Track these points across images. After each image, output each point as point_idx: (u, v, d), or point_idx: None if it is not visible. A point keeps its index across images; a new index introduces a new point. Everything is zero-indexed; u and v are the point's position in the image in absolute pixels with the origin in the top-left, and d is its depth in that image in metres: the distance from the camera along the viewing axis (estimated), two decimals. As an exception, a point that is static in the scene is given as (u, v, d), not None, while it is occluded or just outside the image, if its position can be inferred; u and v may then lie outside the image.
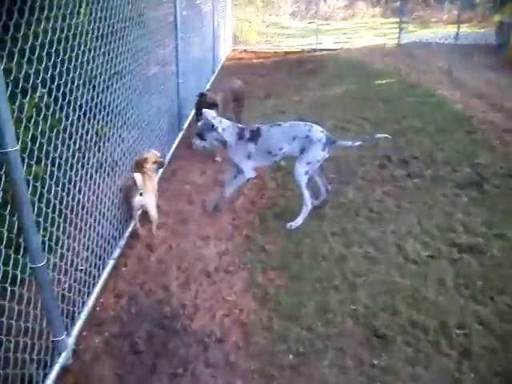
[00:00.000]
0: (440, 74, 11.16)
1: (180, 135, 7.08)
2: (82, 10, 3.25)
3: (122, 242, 4.37)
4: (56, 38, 3.08)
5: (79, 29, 3.49)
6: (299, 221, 4.75)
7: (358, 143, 4.99)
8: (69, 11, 3.28)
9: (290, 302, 3.71)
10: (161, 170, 5.56)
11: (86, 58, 3.67)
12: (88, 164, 3.82)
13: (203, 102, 6.19)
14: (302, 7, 19.49)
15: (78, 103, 3.57)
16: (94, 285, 3.74)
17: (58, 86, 3.18)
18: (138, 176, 4.22)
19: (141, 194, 4.31)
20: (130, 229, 4.58)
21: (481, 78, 10.64)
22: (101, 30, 3.92)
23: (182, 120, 7.13)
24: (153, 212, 4.45)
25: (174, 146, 6.70)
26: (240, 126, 4.94)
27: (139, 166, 4.51)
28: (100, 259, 3.93)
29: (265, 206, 5.20)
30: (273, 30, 16.52)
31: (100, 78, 3.98)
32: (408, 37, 15.65)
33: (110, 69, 4.22)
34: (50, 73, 3.01)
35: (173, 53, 6.66)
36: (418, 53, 13.61)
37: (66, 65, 3.26)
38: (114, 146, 4.50)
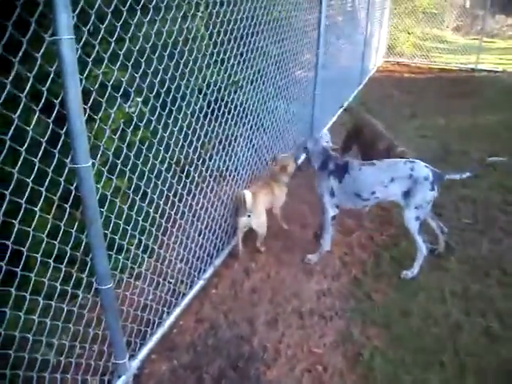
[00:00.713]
0: None
1: (308, 149, 6.68)
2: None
3: (219, 261, 4.09)
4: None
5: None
6: (415, 270, 4.15)
7: (466, 175, 4.06)
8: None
9: (383, 371, 3.18)
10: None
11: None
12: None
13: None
14: (468, 21, 18.13)
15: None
16: (175, 305, 3.51)
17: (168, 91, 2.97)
18: (248, 195, 4.03)
19: (249, 216, 4.12)
20: (230, 246, 4.29)
21: None
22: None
23: (313, 133, 6.72)
24: (261, 232, 4.33)
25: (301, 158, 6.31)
26: (333, 154, 4.29)
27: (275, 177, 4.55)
28: (189, 277, 3.69)
29: (383, 244, 4.64)
30: (431, 43, 15.44)
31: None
32: None
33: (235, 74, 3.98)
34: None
35: (313, 61, 6.26)
36: None
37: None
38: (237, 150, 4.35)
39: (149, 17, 2.41)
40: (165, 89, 2.86)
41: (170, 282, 3.56)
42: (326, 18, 6.32)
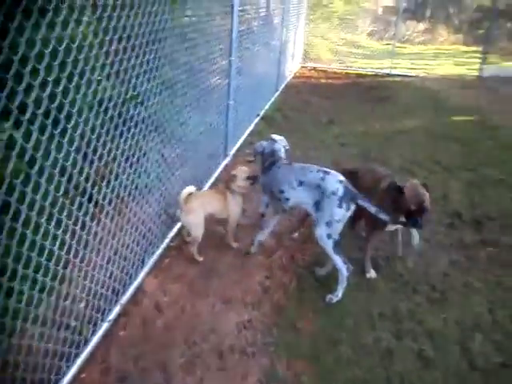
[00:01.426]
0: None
1: (225, 162, 6.30)
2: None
3: (126, 298, 3.63)
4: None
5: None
6: (339, 293, 3.87)
7: (382, 217, 3.67)
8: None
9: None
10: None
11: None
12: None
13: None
14: (381, 27, 18.50)
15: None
16: (76, 355, 3.02)
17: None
18: (183, 191, 4.02)
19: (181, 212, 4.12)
20: (138, 280, 3.83)
21: None
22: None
23: (228, 145, 6.37)
24: (193, 232, 4.17)
25: (217, 172, 5.94)
26: (280, 156, 4.29)
27: (228, 185, 4.39)
28: (90, 322, 3.21)
29: (306, 265, 4.34)
30: (347, 48, 15.57)
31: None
32: (490, 69, 14.32)
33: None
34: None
35: (226, 71, 5.91)
36: (501, 88, 12.31)
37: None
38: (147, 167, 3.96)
39: (16, 23, 1.95)
40: (56, 104, 2.40)
41: (68, 329, 3.06)
42: (240, 23, 6.02)
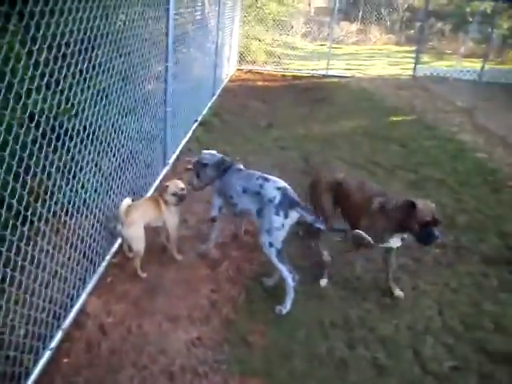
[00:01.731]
0: (460, 114, 10.22)
1: (164, 171, 6.12)
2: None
3: (68, 322, 3.41)
4: None
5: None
6: (287, 304, 3.79)
7: (320, 226, 3.67)
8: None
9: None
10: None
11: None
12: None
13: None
14: (315, 28, 18.72)
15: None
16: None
17: None
18: (122, 203, 3.89)
19: (121, 225, 3.95)
20: (80, 301, 3.62)
21: (508, 124, 9.62)
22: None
23: (167, 153, 6.19)
24: (135, 246, 4.02)
25: (157, 182, 5.76)
26: (228, 160, 4.33)
27: (161, 194, 4.29)
28: (31, 351, 2.99)
29: (254, 275, 4.24)
30: (282, 49, 15.61)
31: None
32: (423, 68, 14.74)
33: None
34: None
35: (162, 77, 5.73)
36: (434, 88, 12.68)
37: None
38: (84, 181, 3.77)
39: None
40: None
41: (7, 361, 2.83)
42: (175, 27, 5.86)
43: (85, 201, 3.88)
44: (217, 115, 9.16)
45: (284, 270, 3.71)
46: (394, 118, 9.69)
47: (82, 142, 3.65)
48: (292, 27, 16.89)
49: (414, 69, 14.52)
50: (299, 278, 3.80)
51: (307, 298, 3.96)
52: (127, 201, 3.94)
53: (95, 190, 4.06)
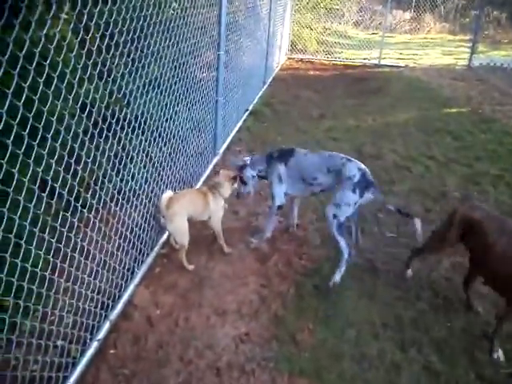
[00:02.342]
0: (518, 107, 9.77)
1: (214, 160, 6.08)
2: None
3: (116, 313, 3.39)
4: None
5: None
6: (337, 277, 3.90)
7: (391, 207, 3.92)
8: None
9: None
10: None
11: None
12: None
13: None
14: (367, 16, 18.30)
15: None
16: (65, 380, 2.79)
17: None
18: (163, 196, 3.86)
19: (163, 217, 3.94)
20: (128, 292, 3.60)
21: None
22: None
23: (217, 143, 6.14)
24: (179, 239, 4.00)
25: (207, 172, 5.71)
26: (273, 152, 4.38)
27: (209, 187, 4.28)
28: (79, 342, 2.99)
29: (304, 270, 4.14)
30: (334, 38, 15.34)
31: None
32: (479, 58, 14.18)
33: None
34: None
35: (214, 66, 5.66)
36: (491, 78, 12.16)
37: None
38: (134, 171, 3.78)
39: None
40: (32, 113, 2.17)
41: (55, 351, 2.84)
42: (227, 15, 5.78)
43: (134, 191, 3.87)
44: (268, 105, 9.05)
45: (342, 242, 3.87)
46: (449, 110, 9.32)
47: (133, 132, 3.62)
48: (344, 15, 16.59)
49: (470, 59, 13.99)
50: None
51: (358, 296, 3.82)
52: (168, 193, 3.91)
53: (145, 180, 4.04)
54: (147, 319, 3.47)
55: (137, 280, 3.71)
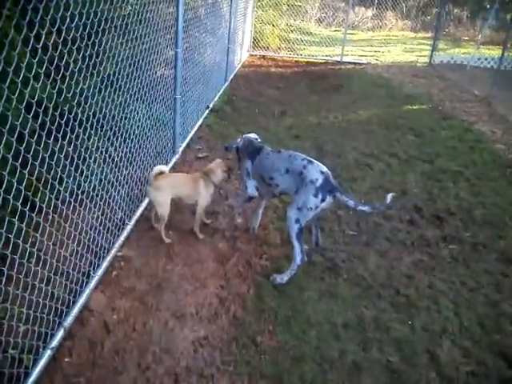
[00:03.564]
0: (477, 104, 9.96)
1: (174, 159, 5.97)
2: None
3: (71, 319, 3.28)
4: None
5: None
6: (284, 277, 3.89)
7: (363, 208, 3.73)
8: None
9: None
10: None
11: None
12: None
13: None
14: (330, 13, 18.38)
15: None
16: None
17: None
18: (155, 168, 4.20)
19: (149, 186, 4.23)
20: (84, 298, 3.48)
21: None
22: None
23: (176, 141, 6.03)
24: (159, 210, 4.23)
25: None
26: (257, 143, 4.42)
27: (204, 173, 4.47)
28: (31, 351, 2.87)
29: (263, 270, 4.09)
30: (296, 35, 15.35)
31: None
32: (440, 56, 14.40)
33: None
34: None
35: (171, 63, 5.56)
36: (451, 76, 12.38)
37: None
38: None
39: None
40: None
41: (7, 358, 2.72)
42: (187, 11, 5.69)
43: (88, 192, 3.76)
44: (229, 102, 8.99)
45: (298, 247, 3.82)
46: (410, 107, 9.45)
47: (84, 132, 3.50)
48: (306, 12, 16.61)
49: (431, 56, 14.24)
50: (306, 264, 3.96)
51: (319, 295, 3.80)
52: (161, 167, 4.26)
53: (100, 181, 3.94)
54: (104, 325, 3.37)
55: (93, 284, 3.60)
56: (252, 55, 14.22)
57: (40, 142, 2.79)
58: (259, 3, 14.55)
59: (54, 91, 2.83)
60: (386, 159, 6.54)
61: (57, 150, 3.03)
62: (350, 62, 13.63)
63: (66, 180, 3.32)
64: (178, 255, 4.20)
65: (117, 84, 4.05)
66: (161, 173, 4.24)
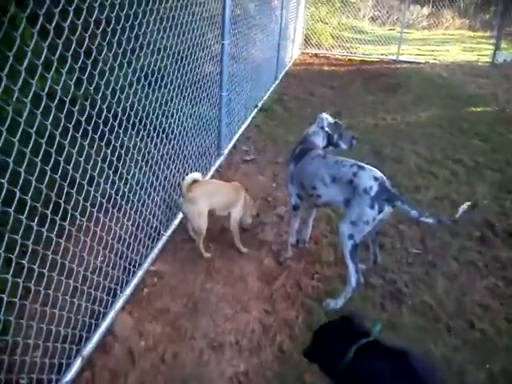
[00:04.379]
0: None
1: (218, 162, 5.51)
2: None
3: (91, 346, 2.84)
4: None
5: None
6: (339, 302, 3.35)
7: (427, 220, 3.16)
8: None
9: None
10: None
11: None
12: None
13: None
14: (384, 11, 17.62)
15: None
16: None
17: None
18: (190, 175, 3.69)
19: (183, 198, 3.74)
20: (108, 320, 3.05)
21: None
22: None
23: (221, 142, 5.58)
24: (196, 224, 3.72)
25: (209, 175, 5.15)
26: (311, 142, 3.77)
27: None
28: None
29: (315, 293, 3.56)
30: (349, 33, 14.72)
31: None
32: (503, 55, 13.46)
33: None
34: None
35: (217, 57, 5.11)
36: (517, 77, 11.47)
37: None
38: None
39: None
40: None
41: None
42: (236, 5, 5.27)
43: (124, 196, 3.37)
44: (279, 101, 8.50)
45: (352, 268, 3.28)
46: (474, 109, 8.69)
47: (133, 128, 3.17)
48: (359, 10, 15.97)
49: (494, 55, 13.28)
50: (364, 287, 3.42)
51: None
52: (194, 174, 3.73)
53: (138, 181, 3.56)
54: (129, 353, 2.93)
55: (119, 305, 3.17)
56: (304, 53, 13.66)
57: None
58: (311, 0, 13.99)
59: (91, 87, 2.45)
60: (450, 166, 5.87)
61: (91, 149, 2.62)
62: (406, 61, 12.88)
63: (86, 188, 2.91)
64: (218, 272, 3.73)
65: (161, 80, 3.68)
66: (194, 181, 3.72)
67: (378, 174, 3.23)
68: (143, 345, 3.00)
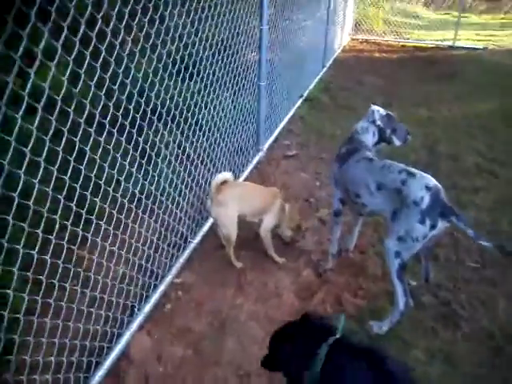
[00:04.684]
0: None
1: (256, 158, 5.11)
2: None
3: (101, 373, 2.53)
4: None
5: None
6: (384, 326, 2.93)
7: (486, 244, 2.63)
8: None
9: None
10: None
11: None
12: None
13: None
14: (438, -5, 16.73)
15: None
16: None
17: None
18: (220, 175, 3.35)
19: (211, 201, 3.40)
20: (123, 341, 2.73)
21: None
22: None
23: (260, 136, 5.17)
24: (225, 230, 3.39)
25: (247, 172, 4.77)
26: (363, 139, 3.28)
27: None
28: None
29: (357, 312, 3.14)
30: (402, 18, 13.96)
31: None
32: None
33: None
34: None
35: (256, 43, 4.69)
36: None
37: None
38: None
39: None
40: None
41: None
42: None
43: (164, 189, 3.19)
44: (326, 91, 8.01)
45: (400, 289, 2.85)
46: (542, 100, 7.94)
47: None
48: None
49: None
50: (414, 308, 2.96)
51: (429, 357, 2.80)
52: (225, 174, 3.40)
53: (169, 182, 3.25)
54: (144, 380, 2.60)
55: (136, 324, 2.84)
56: (354, 39, 13.03)
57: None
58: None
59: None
60: (516, 168, 5.26)
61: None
62: (463, 47, 12.05)
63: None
64: (250, 284, 3.36)
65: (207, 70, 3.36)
66: (224, 182, 3.38)
67: (432, 182, 2.74)
68: (161, 370, 2.67)
